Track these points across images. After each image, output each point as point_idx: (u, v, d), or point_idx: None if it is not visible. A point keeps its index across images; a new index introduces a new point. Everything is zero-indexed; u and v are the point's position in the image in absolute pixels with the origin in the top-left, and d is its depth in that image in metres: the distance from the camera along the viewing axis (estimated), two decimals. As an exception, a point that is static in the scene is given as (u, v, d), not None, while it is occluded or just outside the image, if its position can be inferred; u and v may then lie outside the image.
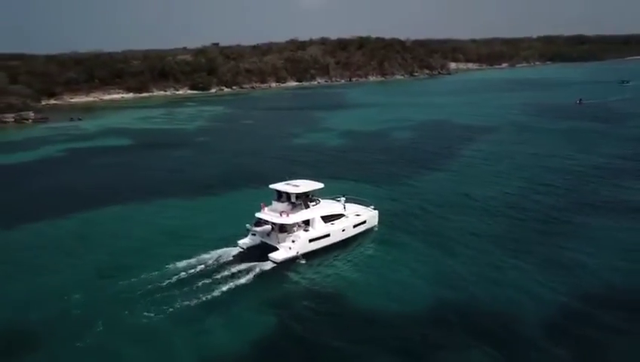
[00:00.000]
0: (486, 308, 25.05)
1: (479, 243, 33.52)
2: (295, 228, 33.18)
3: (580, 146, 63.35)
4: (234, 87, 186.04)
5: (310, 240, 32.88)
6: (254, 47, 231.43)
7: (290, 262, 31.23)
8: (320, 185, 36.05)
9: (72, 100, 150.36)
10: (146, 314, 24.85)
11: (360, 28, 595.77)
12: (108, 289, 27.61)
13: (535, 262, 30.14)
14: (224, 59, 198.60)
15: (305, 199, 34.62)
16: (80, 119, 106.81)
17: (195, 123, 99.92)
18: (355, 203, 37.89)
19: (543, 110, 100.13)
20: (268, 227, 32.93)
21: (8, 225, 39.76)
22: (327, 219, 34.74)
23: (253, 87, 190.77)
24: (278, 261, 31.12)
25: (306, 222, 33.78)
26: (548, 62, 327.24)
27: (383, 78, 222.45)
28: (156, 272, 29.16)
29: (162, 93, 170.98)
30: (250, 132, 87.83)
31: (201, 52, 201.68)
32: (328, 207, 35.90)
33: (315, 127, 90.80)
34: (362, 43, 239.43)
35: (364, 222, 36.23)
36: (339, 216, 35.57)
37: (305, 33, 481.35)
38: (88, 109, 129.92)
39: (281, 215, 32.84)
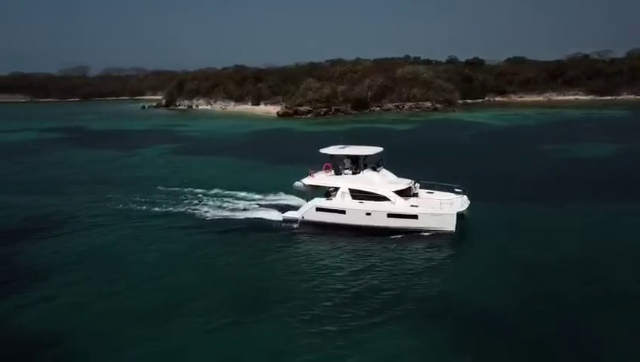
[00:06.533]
0: None
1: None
2: (336, 193, 29.71)
3: None
4: None
5: (317, 209, 29.40)
6: None
7: (291, 222, 29.96)
8: (374, 150, 30.55)
9: (520, 99, 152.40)
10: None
11: None
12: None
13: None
14: None
15: (337, 163, 30.81)
16: (454, 110, 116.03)
17: (515, 130, 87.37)
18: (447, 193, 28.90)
19: None
20: (299, 183, 31.56)
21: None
22: (358, 194, 28.59)
23: None
24: (282, 217, 30.63)
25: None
26: None
27: None
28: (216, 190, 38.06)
29: (633, 97, 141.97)
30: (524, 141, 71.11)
31: None
32: (373, 182, 28.96)
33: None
34: None
35: (416, 217, 27.28)
36: (379, 197, 28.09)
37: None
38: (520, 108, 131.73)
39: (309, 175, 31.29)
